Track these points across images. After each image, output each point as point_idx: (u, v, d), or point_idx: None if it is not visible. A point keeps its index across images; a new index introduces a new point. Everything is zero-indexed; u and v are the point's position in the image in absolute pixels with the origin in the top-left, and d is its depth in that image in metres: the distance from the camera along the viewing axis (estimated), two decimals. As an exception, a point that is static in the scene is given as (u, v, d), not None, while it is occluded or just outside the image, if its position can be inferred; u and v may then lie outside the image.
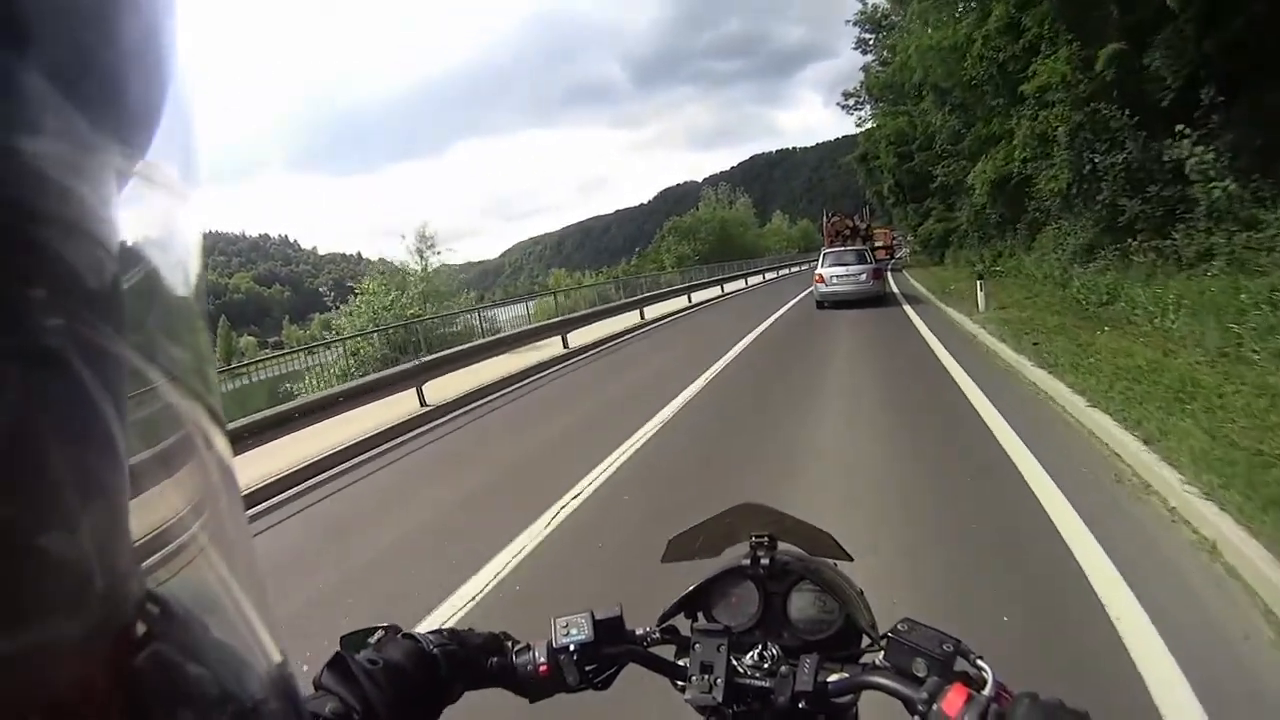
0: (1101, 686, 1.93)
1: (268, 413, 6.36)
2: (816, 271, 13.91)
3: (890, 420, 4.99)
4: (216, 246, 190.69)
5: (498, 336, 11.03)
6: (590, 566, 3.20)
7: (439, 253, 16.80)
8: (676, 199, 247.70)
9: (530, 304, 16.47)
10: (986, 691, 0.54)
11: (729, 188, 77.39)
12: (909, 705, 0.56)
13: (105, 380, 0.17)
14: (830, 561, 0.77)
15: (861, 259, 13.67)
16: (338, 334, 14.72)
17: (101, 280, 0.17)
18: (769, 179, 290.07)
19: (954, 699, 0.53)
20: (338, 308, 17.61)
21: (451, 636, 0.64)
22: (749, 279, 32.25)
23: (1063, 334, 7.03)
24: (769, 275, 36.69)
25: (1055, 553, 2.71)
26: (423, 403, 8.18)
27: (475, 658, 0.65)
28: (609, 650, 0.69)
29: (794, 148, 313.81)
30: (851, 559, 0.76)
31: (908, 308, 12.26)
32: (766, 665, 0.70)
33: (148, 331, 0.20)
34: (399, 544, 3.87)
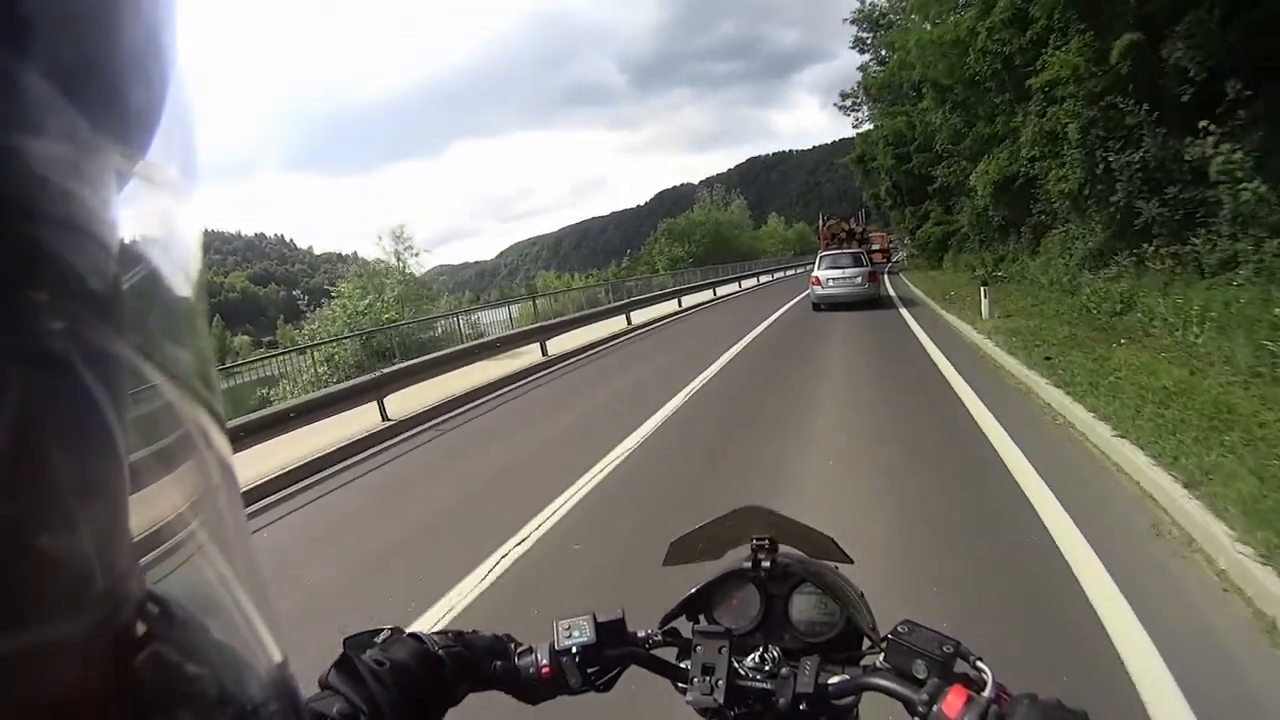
0: None
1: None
2: (813, 274, 13.96)
3: (889, 458, 4.24)
4: (212, 245, 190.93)
5: (466, 345, 10.42)
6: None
7: (416, 254, 16.04)
8: (673, 201, 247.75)
9: (513, 308, 15.76)
10: (986, 693, 0.54)
11: (725, 189, 76.86)
12: (909, 707, 0.56)
13: (106, 381, 0.17)
14: (831, 564, 0.79)
15: (857, 262, 13.70)
16: (311, 339, 13.98)
17: (102, 281, 0.17)
18: (766, 181, 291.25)
19: (954, 700, 0.54)
20: (313, 311, 16.95)
21: (456, 638, 0.65)
22: (743, 282, 31.47)
23: (1076, 347, 6.48)
24: (764, 278, 35.71)
25: (1092, 642, 2.18)
26: (384, 417, 7.60)
27: (479, 659, 0.66)
28: (611, 652, 0.70)
29: (791, 150, 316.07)
30: (852, 562, 0.77)
31: (907, 316, 11.61)
32: (768, 667, 0.70)
33: (148, 332, 0.20)
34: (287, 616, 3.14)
